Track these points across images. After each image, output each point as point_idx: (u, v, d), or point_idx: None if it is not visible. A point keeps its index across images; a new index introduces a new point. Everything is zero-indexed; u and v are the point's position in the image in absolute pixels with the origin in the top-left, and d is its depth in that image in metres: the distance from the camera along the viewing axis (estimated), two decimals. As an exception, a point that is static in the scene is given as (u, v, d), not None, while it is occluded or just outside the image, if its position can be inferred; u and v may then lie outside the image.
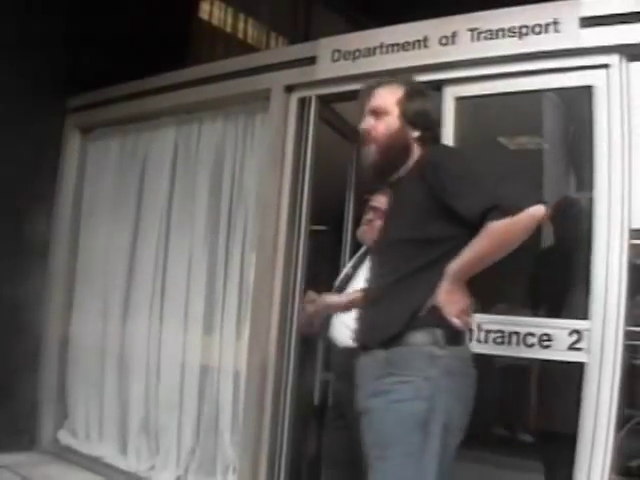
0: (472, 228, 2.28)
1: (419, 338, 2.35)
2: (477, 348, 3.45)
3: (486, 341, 3.42)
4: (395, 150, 2.56)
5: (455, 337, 2.39)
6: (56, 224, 5.68)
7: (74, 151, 5.76)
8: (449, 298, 2.32)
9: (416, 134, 2.57)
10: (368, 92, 2.66)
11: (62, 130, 5.79)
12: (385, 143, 2.56)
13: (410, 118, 2.57)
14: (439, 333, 2.34)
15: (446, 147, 2.65)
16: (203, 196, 4.84)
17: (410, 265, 2.40)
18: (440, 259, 2.34)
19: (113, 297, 5.33)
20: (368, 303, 2.59)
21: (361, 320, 2.62)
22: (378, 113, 2.59)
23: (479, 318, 3.48)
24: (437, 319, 2.33)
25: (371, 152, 2.59)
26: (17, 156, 5.24)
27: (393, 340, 2.37)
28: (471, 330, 2.57)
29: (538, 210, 2.22)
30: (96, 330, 5.38)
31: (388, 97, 2.60)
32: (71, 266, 5.67)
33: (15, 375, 5.34)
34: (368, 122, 2.61)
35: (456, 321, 2.33)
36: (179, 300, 4.87)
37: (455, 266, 2.31)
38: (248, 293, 4.51)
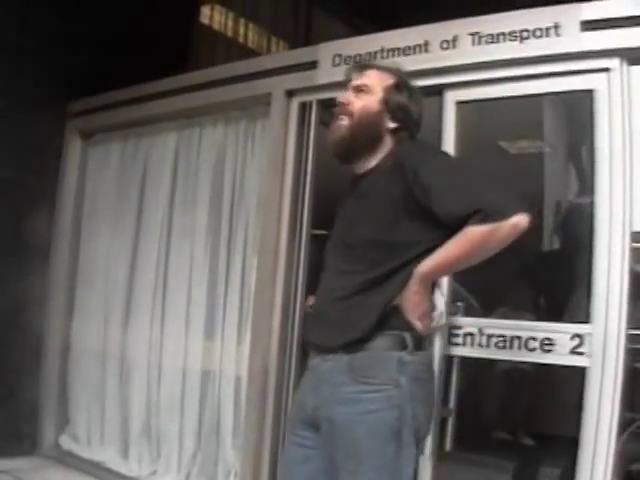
0: (449, 231, 2.22)
1: (387, 343, 2.28)
2: (479, 352, 3.46)
3: (488, 345, 3.42)
4: (366, 131, 2.45)
5: (421, 342, 2.33)
6: (57, 228, 5.68)
7: (75, 156, 5.76)
8: (414, 299, 2.26)
9: (392, 125, 2.47)
10: (358, 72, 2.58)
11: (63, 135, 5.79)
12: (358, 120, 2.45)
13: (391, 107, 2.47)
14: (408, 337, 2.28)
15: (425, 145, 2.52)
16: (204, 200, 4.84)
17: (380, 267, 2.30)
18: (411, 262, 2.28)
19: (114, 302, 5.33)
20: (330, 302, 2.43)
21: (320, 320, 2.48)
22: (361, 90, 2.50)
23: (481, 322, 3.49)
24: (405, 322, 2.27)
25: (341, 126, 2.48)
26: (18, 161, 5.25)
27: (358, 344, 2.29)
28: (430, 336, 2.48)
29: (522, 219, 2.13)
30: (97, 334, 5.38)
31: (376, 80, 2.51)
32: (72, 271, 5.66)
33: (16, 379, 5.33)
34: (347, 96, 2.51)
35: (418, 324, 2.27)
36: (181, 304, 4.87)
37: (425, 267, 2.25)
38: (249, 297, 4.51)
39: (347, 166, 2.55)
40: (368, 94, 2.49)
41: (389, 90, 2.49)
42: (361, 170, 2.51)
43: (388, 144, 2.48)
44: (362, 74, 2.55)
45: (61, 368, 5.56)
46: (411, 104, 2.51)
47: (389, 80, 2.52)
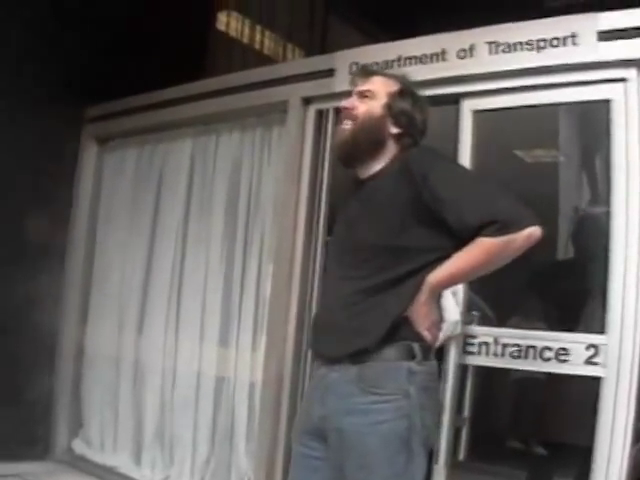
0: (459, 240, 2.22)
1: (396, 353, 2.27)
2: (494, 362, 3.46)
3: (503, 355, 3.41)
4: (369, 135, 2.46)
5: (428, 352, 2.33)
6: (73, 233, 5.71)
7: (91, 161, 5.79)
8: (422, 310, 2.26)
9: (395, 131, 2.48)
10: (363, 78, 2.59)
11: (79, 140, 5.82)
12: (361, 124, 2.46)
13: (394, 113, 2.48)
14: (416, 347, 2.27)
15: (434, 152, 2.48)
16: (220, 207, 4.85)
17: (388, 272, 2.29)
18: (423, 268, 2.27)
19: (129, 307, 5.35)
20: (336, 309, 2.40)
21: (326, 328, 2.46)
22: (365, 96, 2.51)
23: (496, 332, 3.49)
24: (414, 332, 2.26)
25: (344, 130, 2.50)
26: (34, 166, 5.27)
27: (367, 353, 2.27)
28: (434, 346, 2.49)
29: (535, 231, 2.15)
30: (111, 338, 5.40)
31: (381, 86, 2.53)
32: (87, 275, 5.69)
33: (30, 383, 5.34)
34: (351, 101, 2.53)
35: (427, 334, 2.27)
36: (195, 310, 4.88)
37: (436, 278, 2.25)
38: (265, 303, 4.51)
39: (350, 170, 2.57)
40: (372, 99, 2.50)
41: (393, 96, 2.50)
42: (364, 175, 2.51)
43: (392, 149, 2.49)
44: (367, 80, 2.57)
45: (75, 372, 5.58)
46: (415, 111, 2.52)
47: (393, 87, 2.53)
